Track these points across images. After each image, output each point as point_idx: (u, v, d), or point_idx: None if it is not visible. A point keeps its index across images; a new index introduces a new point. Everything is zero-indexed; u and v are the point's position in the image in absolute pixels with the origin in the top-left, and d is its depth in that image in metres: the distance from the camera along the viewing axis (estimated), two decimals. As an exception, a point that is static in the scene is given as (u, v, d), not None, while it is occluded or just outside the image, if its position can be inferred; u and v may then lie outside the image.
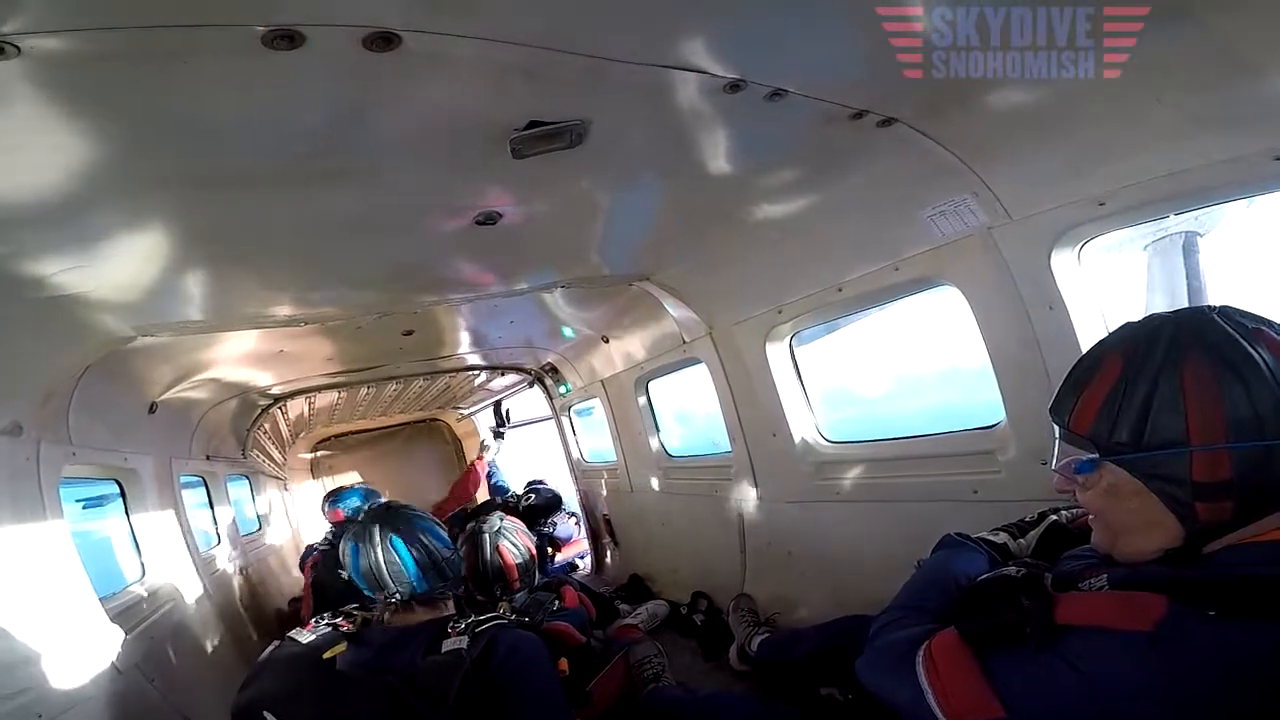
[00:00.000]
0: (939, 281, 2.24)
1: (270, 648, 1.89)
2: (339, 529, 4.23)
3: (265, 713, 1.71)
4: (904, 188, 2.05)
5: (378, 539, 1.96)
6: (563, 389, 5.30)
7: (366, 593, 2.00)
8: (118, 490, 3.17)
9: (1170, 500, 1.00)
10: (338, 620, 1.95)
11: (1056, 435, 1.14)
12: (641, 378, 4.19)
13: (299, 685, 1.76)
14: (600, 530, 5.40)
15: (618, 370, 4.38)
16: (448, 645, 1.79)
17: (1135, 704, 0.91)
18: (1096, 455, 1.05)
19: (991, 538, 1.47)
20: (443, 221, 1.96)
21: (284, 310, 2.52)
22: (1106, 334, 1.16)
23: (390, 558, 1.94)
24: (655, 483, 4.37)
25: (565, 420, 5.57)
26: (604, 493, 5.23)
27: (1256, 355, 0.95)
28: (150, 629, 2.66)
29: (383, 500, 3.52)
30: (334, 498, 4.47)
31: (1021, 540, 1.48)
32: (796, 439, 3.02)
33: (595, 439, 5.40)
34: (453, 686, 1.68)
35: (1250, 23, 1.29)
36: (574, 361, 4.91)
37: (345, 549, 2.03)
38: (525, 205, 1.95)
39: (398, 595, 1.94)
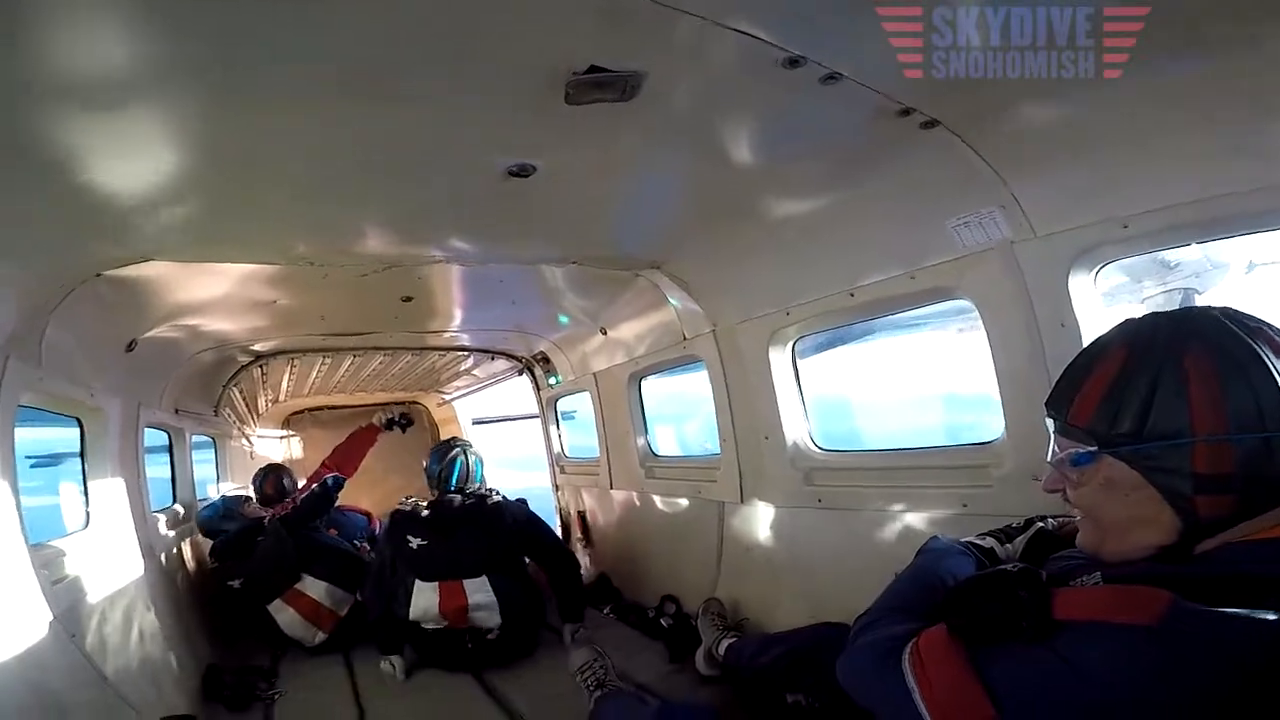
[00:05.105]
0: (953, 293, 2.25)
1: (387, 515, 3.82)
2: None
3: (408, 536, 3.48)
4: (933, 195, 2.06)
5: (468, 455, 3.79)
6: (552, 380, 5.24)
7: (451, 487, 3.71)
8: (76, 430, 2.96)
9: (1171, 494, 0.99)
10: (414, 498, 3.71)
11: (1052, 430, 1.13)
12: (635, 373, 4.16)
13: (415, 525, 3.53)
14: (572, 527, 5.33)
15: (611, 364, 4.35)
16: (492, 500, 3.69)
17: (1133, 699, 0.89)
18: (1096, 448, 1.05)
19: (979, 542, 1.46)
20: (476, 164, 1.94)
21: (295, 247, 2.47)
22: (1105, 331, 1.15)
23: (474, 464, 3.81)
24: (637, 481, 4.33)
25: (551, 413, 5.51)
26: (581, 490, 5.19)
27: (1258, 349, 0.96)
28: (79, 583, 2.45)
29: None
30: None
31: (1009, 545, 1.46)
32: (789, 444, 3.02)
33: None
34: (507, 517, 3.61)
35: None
36: (567, 351, 4.87)
37: (446, 462, 3.74)
38: (562, 158, 1.93)
39: (475, 486, 3.77)
